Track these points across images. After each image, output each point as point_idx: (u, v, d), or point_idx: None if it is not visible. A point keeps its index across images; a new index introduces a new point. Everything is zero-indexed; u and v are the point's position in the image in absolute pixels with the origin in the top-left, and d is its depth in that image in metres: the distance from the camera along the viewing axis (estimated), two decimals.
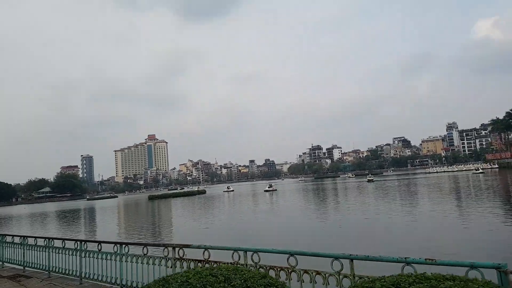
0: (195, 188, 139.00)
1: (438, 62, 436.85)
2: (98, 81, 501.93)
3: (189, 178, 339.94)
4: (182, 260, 6.16)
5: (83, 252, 8.25)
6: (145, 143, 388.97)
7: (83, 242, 8.37)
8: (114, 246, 7.44)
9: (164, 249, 6.44)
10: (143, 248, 6.88)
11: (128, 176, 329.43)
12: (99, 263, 7.74)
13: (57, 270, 8.98)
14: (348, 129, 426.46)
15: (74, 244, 8.53)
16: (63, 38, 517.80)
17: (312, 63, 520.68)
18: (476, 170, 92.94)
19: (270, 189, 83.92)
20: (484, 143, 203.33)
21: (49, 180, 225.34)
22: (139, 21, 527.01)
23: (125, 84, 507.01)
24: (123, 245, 7.33)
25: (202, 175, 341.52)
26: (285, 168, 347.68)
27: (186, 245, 6.30)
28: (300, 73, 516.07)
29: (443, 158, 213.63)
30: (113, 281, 7.40)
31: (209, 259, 5.71)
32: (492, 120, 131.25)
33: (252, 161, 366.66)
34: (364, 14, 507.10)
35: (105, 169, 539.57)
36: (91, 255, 7.94)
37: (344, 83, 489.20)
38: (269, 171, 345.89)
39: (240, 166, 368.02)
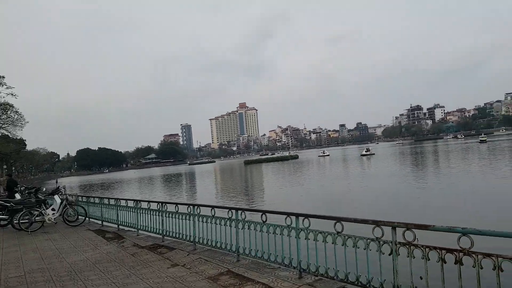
0: (286, 153, 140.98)
1: None
2: (194, 54, 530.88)
3: (278, 144, 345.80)
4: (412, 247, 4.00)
5: (195, 217, 7.59)
6: (237, 111, 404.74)
7: (195, 207, 7.69)
8: (228, 212, 6.70)
9: (374, 228, 4.39)
10: (262, 215, 6.00)
11: (223, 143, 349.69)
12: (212, 227, 7.12)
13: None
14: (453, 86, 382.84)
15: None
16: (164, 14, 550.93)
17: (411, 13, 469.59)
18: None
19: (368, 153, 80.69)
20: None
21: (154, 148, 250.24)
22: None
23: (217, 55, 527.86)
24: (239, 211, 6.53)
25: (291, 141, 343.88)
26: (378, 132, 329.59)
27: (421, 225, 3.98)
28: (393, 31, 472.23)
29: None
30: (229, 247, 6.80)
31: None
32: None
33: (342, 125, 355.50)
34: None
35: (202, 136, 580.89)
36: (204, 220, 7.27)
37: (448, 33, 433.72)
38: (361, 135, 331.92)
39: (329, 130, 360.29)
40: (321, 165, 64.53)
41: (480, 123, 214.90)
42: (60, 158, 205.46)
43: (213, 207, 7.14)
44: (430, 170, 35.88)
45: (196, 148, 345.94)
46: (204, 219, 7.21)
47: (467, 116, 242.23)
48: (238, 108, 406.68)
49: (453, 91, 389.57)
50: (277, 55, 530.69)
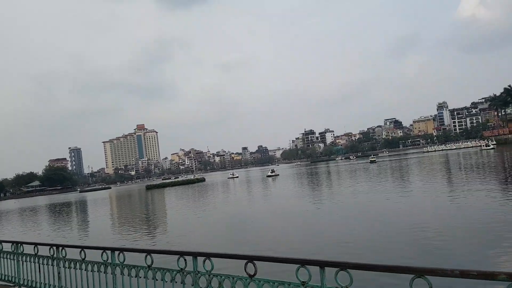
0: (191, 177, 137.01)
1: (425, 43, 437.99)
2: (81, 72, 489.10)
3: (181, 167, 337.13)
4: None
5: (60, 261, 6.05)
6: (135, 133, 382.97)
7: (60, 248, 6.14)
8: (102, 253, 5.19)
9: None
10: (146, 256, 4.61)
11: (119, 167, 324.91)
12: (82, 274, 5.54)
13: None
14: (340, 113, 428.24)
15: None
16: (42, 29, 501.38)
17: (300, 48, 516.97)
18: (486, 146, 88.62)
19: (273, 174, 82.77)
20: (474, 121, 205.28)
21: (37, 174, 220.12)
22: (120, 9, 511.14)
23: (110, 74, 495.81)
24: (116, 252, 5.09)
25: (195, 164, 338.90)
26: (278, 154, 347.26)
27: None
28: (288, 59, 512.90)
29: (435, 138, 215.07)
30: None
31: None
32: (490, 96, 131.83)
33: (245, 148, 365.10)
34: None
35: (95, 161, 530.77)
36: (71, 265, 5.75)
37: (332, 67, 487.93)
38: (262, 157, 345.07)
39: (233, 153, 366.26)
40: (231, 188, 63.54)
41: (365, 145, 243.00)
42: None
43: (82, 247, 5.48)
44: (331, 190, 37.58)
45: (88, 173, 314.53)
46: (72, 264, 5.68)
47: (354, 139, 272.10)
48: (136, 130, 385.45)
49: (340, 117, 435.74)
50: (176, 78, 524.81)
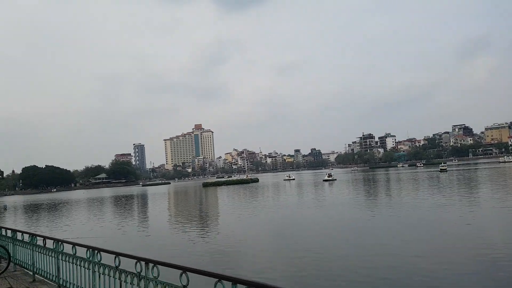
0: (244, 176, 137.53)
1: (497, 45, 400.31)
2: (145, 73, 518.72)
3: (234, 166, 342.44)
4: None
5: (95, 266, 5.74)
6: (192, 133, 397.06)
7: (95, 251, 5.77)
8: (136, 264, 4.61)
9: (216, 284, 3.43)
10: (181, 274, 3.87)
11: (177, 164, 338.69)
12: (116, 284, 5.11)
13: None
14: (402, 117, 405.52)
15: None
16: (110, 32, 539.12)
17: (360, 49, 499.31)
18: None
19: (330, 178, 79.57)
20: None
21: (104, 167, 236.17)
22: (181, 12, 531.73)
23: (170, 76, 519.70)
24: (150, 264, 4.53)
25: (247, 164, 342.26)
26: (332, 158, 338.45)
27: None
28: (344, 60, 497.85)
29: (510, 147, 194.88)
30: None
31: None
32: None
33: (297, 151, 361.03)
34: None
35: (156, 157, 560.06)
36: (106, 271, 5.41)
37: (395, 68, 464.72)
38: (315, 160, 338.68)
39: (285, 155, 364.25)
40: (287, 190, 61.70)
41: (430, 153, 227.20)
42: (3, 176, 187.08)
43: (117, 254, 4.98)
44: (406, 200, 34.10)
45: (150, 168, 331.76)
46: (106, 270, 5.34)
47: (417, 145, 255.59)
48: (194, 129, 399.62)
49: (401, 121, 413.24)
50: (231, 79, 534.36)
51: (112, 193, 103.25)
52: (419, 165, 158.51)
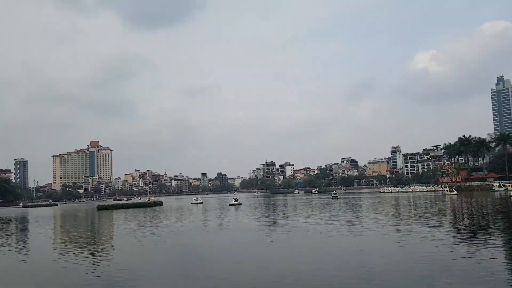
0: (146, 199, 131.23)
1: (380, 90, 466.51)
2: (35, 82, 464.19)
3: (135, 189, 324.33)
4: None
5: None
6: (87, 150, 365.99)
7: None
8: None
9: None
10: None
11: (67, 184, 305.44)
12: None
13: None
14: (299, 148, 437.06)
15: None
16: None
17: (263, 81, 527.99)
18: (450, 191, 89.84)
19: (236, 203, 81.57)
20: (426, 167, 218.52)
21: None
22: (83, 22, 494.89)
23: (65, 87, 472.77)
24: None
25: (150, 186, 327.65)
26: (237, 183, 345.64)
27: None
28: (251, 90, 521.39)
29: (388, 179, 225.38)
30: None
31: None
32: (445, 144, 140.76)
33: (204, 174, 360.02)
34: (313, 37, 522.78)
35: (42, 175, 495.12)
36: None
37: (293, 103, 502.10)
38: (221, 185, 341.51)
39: (191, 178, 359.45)
40: (195, 214, 61.38)
41: (322, 181, 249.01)
42: None
43: None
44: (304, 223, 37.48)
45: (33, 188, 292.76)
46: None
47: (312, 174, 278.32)
48: (89, 146, 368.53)
49: (300, 152, 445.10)
50: (136, 97, 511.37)
51: None
52: (314, 192, 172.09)
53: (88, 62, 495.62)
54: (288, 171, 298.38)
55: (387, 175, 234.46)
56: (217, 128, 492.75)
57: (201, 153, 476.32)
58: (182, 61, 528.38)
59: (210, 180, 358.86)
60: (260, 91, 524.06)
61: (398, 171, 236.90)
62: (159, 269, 17.94)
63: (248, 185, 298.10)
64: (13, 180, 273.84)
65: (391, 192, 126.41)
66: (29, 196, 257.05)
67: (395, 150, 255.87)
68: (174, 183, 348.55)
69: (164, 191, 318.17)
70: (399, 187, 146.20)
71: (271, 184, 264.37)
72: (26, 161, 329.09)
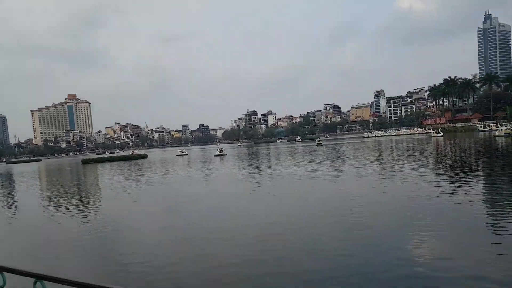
0: (129, 152, 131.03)
1: (363, 32, 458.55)
2: (4, 32, 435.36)
3: (117, 142, 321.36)
4: None
5: None
6: (65, 103, 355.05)
7: None
8: None
9: None
10: None
11: (48, 139, 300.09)
12: None
13: None
14: (282, 96, 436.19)
15: None
16: None
17: (244, 29, 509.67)
18: (436, 133, 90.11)
19: (221, 153, 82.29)
20: (409, 110, 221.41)
21: None
22: None
23: (36, 37, 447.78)
24: None
25: (132, 139, 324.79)
26: (219, 134, 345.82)
27: None
28: (231, 38, 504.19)
29: (371, 124, 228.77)
30: None
31: None
32: (430, 86, 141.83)
33: (185, 126, 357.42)
34: None
35: (21, 131, 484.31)
36: None
37: (273, 49, 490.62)
38: (204, 136, 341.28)
39: (172, 130, 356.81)
40: (182, 165, 61.77)
41: (305, 129, 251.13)
42: None
43: None
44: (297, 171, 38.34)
45: (14, 144, 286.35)
46: None
47: (294, 122, 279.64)
48: (67, 99, 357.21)
49: (282, 100, 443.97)
50: (110, 46, 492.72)
51: None
52: (298, 140, 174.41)
53: (57, 9, 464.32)
54: (271, 120, 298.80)
55: (370, 120, 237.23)
56: (197, 79, 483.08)
57: (182, 104, 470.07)
58: (155, 7, 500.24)
59: (192, 131, 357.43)
60: (239, 37, 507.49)
61: (382, 116, 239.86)
62: (148, 220, 18.40)
63: (230, 136, 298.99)
64: None
65: (375, 136, 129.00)
66: (11, 152, 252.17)
67: (378, 94, 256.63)
68: (155, 135, 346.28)
69: (146, 143, 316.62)
70: (383, 131, 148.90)
71: (254, 134, 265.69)
72: (5, 117, 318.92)
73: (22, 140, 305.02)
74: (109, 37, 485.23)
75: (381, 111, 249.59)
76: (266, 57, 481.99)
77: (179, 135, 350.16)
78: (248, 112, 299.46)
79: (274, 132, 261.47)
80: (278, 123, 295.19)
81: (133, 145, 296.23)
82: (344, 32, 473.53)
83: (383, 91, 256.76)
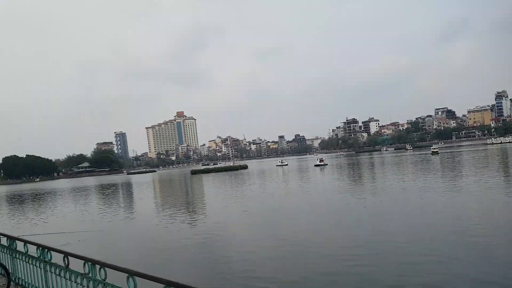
0: (230, 163, 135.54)
1: (476, 28, 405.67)
2: (122, 59, 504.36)
3: (218, 154, 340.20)
4: None
5: (47, 265, 5.61)
6: (175, 120, 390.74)
7: (45, 250, 5.47)
8: (84, 264, 4.33)
9: None
10: (128, 278, 3.56)
11: (161, 152, 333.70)
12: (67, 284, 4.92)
13: None
14: (385, 102, 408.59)
15: None
16: (85, 17, 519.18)
17: (339, 34, 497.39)
18: None
19: (321, 163, 78.50)
20: None
21: (86, 156, 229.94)
22: None
23: (148, 62, 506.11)
24: (96, 266, 4.27)
25: (232, 151, 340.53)
26: (316, 144, 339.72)
27: None
28: (325, 45, 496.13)
29: (493, 130, 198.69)
30: None
31: None
32: None
33: (281, 137, 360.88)
34: None
35: (138, 145, 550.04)
36: (56, 271, 5.26)
37: (374, 52, 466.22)
38: (299, 146, 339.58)
39: (269, 142, 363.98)
40: (284, 176, 59.92)
41: (414, 136, 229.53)
42: None
43: (66, 254, 4.75)
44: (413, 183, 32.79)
45: (133, 157, 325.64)
46: (57, 270, 5.10)
47: (401, 129, 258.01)
48: (176, 117, 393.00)
49: (384, 106, 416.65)
50: (212, 65, 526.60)
51: (97, 182, 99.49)
52: (408, 147, 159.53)
53: (165, 35, 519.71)
54: (373, 127, 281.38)
55: (492, 125, 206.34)
56: (292, 88, 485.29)
57: (277, 115, 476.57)
58: (251, 24, 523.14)
59: (287, 142, 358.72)
60: (334, 44, 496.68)
61: (505, 119, 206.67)
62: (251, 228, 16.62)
63: (328, 145, 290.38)
64: (115, 151, 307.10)
65: (501, 143, 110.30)
66: (130, 164, 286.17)
67: (500, 95, 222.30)
68: (253, 147, 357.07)
69: (244, 155, 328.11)
70: (510, 137, 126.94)
71: (354, 143, 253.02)
72: (124, 133, 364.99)
73: (139, 154, 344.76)
74: (210, 58, 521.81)
75: (505, 114, 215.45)
76: (363, 61, 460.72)
77: (275, 146, 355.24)
78: (347, 120, 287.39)
79: (377, 140, 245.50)
80: (382, 130, 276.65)
81: (233, 157, 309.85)
82: (453, 30, 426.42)
83: (505, 92, 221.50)
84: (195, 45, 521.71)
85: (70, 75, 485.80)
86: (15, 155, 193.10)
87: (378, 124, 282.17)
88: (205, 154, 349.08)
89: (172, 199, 37.27)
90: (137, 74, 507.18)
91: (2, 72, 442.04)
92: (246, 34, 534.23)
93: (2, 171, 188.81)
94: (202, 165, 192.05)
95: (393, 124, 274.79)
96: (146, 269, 3.41)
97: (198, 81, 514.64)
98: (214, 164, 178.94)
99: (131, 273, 3.47)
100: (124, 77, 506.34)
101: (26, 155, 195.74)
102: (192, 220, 21.91)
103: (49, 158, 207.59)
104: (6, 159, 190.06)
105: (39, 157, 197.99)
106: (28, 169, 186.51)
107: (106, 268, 3.94)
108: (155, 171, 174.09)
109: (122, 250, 16.12)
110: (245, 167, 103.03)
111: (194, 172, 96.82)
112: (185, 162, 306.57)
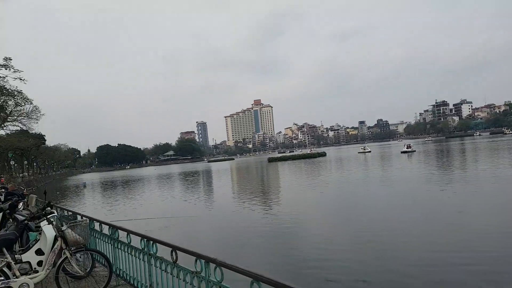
0: (307, 151, 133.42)
1: None
2: (203, 50, 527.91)
3: (294, 141, 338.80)
4: None
5: (151, 258, 5.26)
6: (252, 108, 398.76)
7: (151, 242, 5.12)
8: (196, 261, 3.89)
9: None
10: None
11: (238, 140, 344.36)
12: (173, 281, 4.49)
13: None
14: (479, 83, 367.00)
15: None
16: (169, 11, 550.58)
17: (419, 11, 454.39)
18: None
19: (409, 150, 72.89)
20: None
21: (171, 145, 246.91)
22: None
23: (228, 51, 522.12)
24: (211, 264, 3.84)
25: (308, 138, 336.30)
26: (400, 129, 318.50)
27: None
28: (407, 23, 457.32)
29: None
30: None
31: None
32: None
33: (362, 122, 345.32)
34: None
35: (217, 134, 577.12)
36: (162, 266, 4.86)
37: (467, 30, 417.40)
38: (382, 132, 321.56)
39: (348, 128, 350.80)
40: (370, 163, 56.74)
41: None
42: (81, 155, 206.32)
43: (174, 248, 4.32)
44: None
45: (212, 145, 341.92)
46: (163, 265, 4.75)
47: (498, 112, 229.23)
48: (253, 105, 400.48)
49: (478, 87, 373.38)
50: (289, 51, 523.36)
51: (180, 169, 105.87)
52: (507, 132, 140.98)
53: (243, 24, 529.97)
54: (465, 110, 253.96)
55: None
56: (374, 72, 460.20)
57: (357, 100, 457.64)
58: (329, 6, 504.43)
59: (368, 128, 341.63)
60: (421, 22, 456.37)
61: None
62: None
63: (414, 131, 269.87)
64: (197, 140, 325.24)
65: None
66: (210, 152, 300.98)
67: None
68: (331, 133, 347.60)
69: (321, 142, 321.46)
70: None
71: (444, 127, 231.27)
72: (205, 123, 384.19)
73: (218, 142, 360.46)
74: (289, 43, 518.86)
75: None
76: (453, 39, 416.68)
77: (354, 132, 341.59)
78: (436, 103, 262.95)
79: (470, 124, 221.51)
80: (476, 113, 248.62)
81: (309, 144, 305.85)
82: None
83: None
84: (273, 33, 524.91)
85: (158, 68, 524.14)
86: (108, 144, 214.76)
87: (471, 106, 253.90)
88: (281, 141, 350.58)
89: (258, 185, 37.41)
90: (217, 64, 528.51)
91: (97, 66, 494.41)
92: (325, 17, 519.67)
93: (96, 159, 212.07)
94: (278, 153, 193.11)
95: (488, 106, 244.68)
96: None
97: (275, 69, 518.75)
98: (290, 152, 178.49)
99: (257, 278, 2.84)
100: (204, 68, 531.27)
101: (118, 144, 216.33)
102: (269, 209, 21.48)
103: (138, 147, 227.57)
104: (100, 148, 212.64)
105: (129, 146, 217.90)
106: (120, 157, 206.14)
107: (223, 268, 3.39)
108: (233, 159, 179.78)
109: (207, 239, 16.17)
110: (323, 154, 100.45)
111: (271, 160, 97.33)
112: (261, 150, 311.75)
